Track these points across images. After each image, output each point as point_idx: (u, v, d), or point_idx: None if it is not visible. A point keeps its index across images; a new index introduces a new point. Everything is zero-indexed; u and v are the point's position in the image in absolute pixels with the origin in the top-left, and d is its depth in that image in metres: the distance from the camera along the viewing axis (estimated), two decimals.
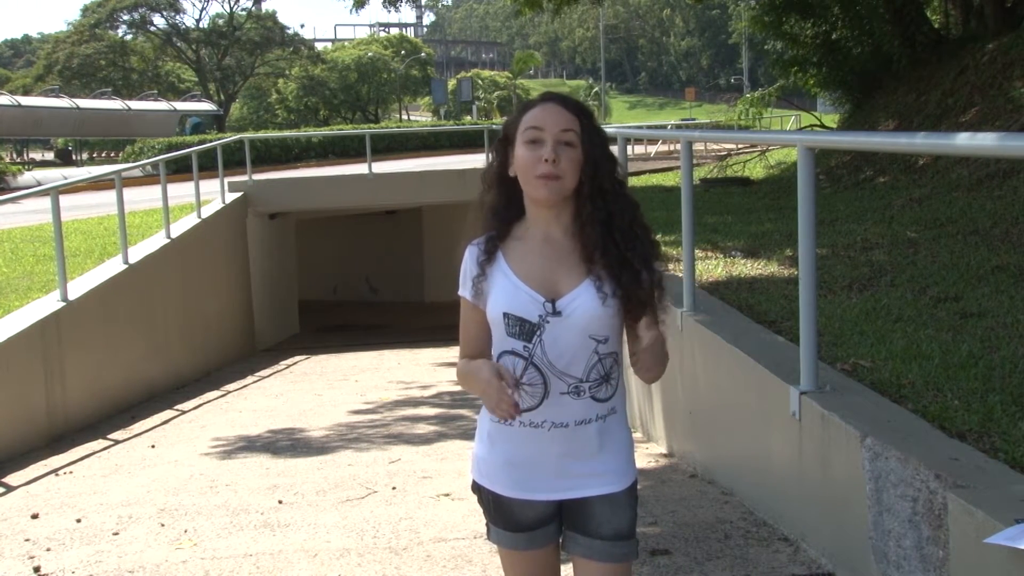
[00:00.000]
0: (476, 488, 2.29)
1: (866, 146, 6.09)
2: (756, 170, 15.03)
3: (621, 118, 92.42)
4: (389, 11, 68.07)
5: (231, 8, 60.43)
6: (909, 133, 8.76)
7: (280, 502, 5.12)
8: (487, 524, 2.31)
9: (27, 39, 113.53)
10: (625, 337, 2.21)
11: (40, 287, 8.95)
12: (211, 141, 21.23)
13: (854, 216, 8.26)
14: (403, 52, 68.97)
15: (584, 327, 2.10)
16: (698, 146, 21.58)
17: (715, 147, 21.82)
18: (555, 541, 2.27)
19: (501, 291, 2.14)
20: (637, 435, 6.28)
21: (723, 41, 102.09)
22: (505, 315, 2.12)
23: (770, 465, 4.08)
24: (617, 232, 2.11)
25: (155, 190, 12.80)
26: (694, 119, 46.89)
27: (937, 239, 6.66)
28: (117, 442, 7.53)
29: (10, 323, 7.60)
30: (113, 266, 9.72)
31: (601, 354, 2.13)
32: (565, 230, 2.15)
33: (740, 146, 17.00)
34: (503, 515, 2.24)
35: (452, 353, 2.46)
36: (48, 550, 4.48)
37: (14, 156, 48.28)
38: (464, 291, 2.21)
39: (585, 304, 2.10)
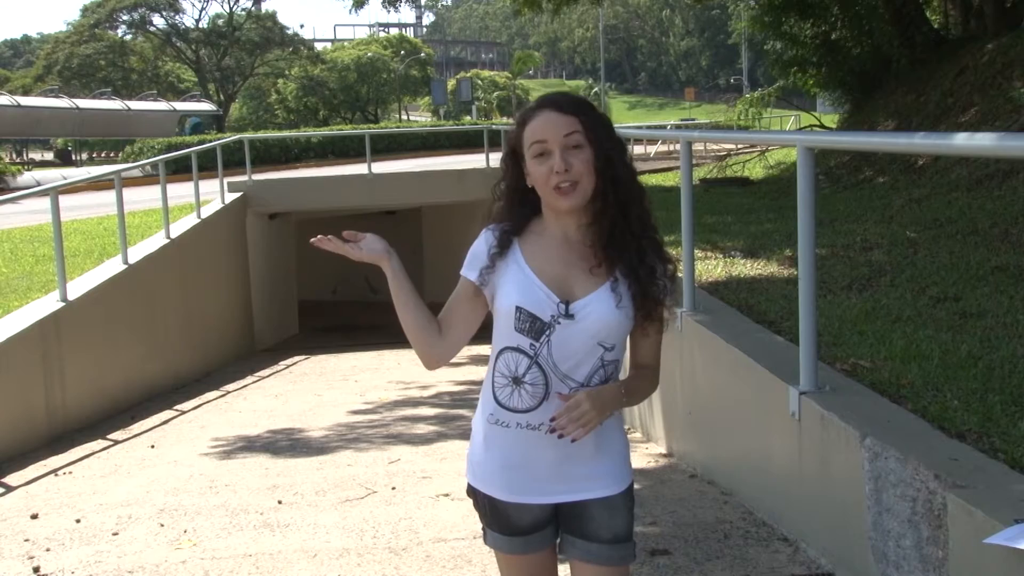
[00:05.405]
0: (471, 492, 2.26)
1: (865, 146, 6.10)
2: (756, 170, 15.03)
3: (621, 118, 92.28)
4: (389, 11, 68.23)
5: (231, 8, 60.47)
6: (908, 133, 8.76)
7: (280, 502, 5.12)
8: (483, 528, 2.29)
9: (27, 39, 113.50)
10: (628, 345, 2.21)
11: (40, 287, 8.94)
12: (211, 141, 21.22)
13: (854, 216, 8.26)
14: (403, 52, 68.92)
15: (595, 333, 2.09)
16: (697, 146, 21.55)
17: (715, 147, 21.79)
18: (552, 544, 2.26)
19: (515, 284, 2.11)
20: (637, 435, 6.28)
21: (723, 41, 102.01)
22: (518, 309, 2.10)
23: (770, 465, 4.08)
24: (635, 220, 2.10)
25: (155, 190, 12.79)
26: (694, 119, 46.85)
27: (936, 239, 6.66)
28: (117, 442, 7.53)
29: (10, 323, 7.60)
30: (113, 266, 9.71)
31: (606, 361, 2.12)
32: (584, 228, 2.13)
33: (740, 146, 16.97)
34: (499, 519, 2.22)
35: None
36: (48, 550, 4.48)
37: (13, 156, 48.27)
38: (470, 274, 2.17)
39: (599, 311, 2.08)
